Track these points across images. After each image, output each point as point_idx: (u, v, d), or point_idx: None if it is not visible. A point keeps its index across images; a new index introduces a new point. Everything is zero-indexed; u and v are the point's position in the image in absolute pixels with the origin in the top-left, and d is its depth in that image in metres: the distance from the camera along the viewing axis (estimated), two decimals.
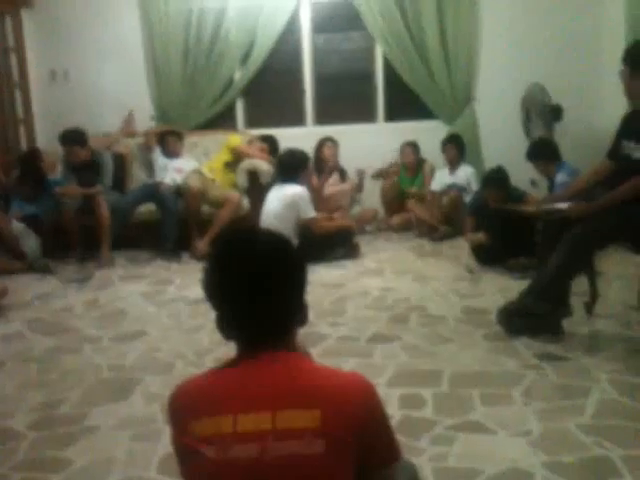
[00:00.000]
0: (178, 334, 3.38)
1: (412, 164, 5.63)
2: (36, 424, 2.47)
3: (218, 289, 1.16)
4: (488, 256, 4.32)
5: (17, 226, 4.80)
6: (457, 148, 5.49)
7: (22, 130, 5.81)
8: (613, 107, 3.14)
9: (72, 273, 4.64)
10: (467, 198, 5.25)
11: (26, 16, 5.77)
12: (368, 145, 5.67)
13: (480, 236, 4.40)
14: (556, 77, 5.29)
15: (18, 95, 5.78)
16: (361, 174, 5.57)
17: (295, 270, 1.19)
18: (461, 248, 4.76)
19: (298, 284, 1.19)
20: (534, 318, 3.02)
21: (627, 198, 2.88)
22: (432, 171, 5.59)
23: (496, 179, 4.42)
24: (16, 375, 2.96)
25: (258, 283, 1.12)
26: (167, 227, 5.01)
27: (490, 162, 5.08)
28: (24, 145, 5.78)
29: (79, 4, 5.80)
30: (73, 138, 5.03)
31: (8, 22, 5.67)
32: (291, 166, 4.74)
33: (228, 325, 1.17)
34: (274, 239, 1.21)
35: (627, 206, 2.87)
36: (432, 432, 2.27)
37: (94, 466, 2.17)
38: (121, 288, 4.32)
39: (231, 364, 1.18)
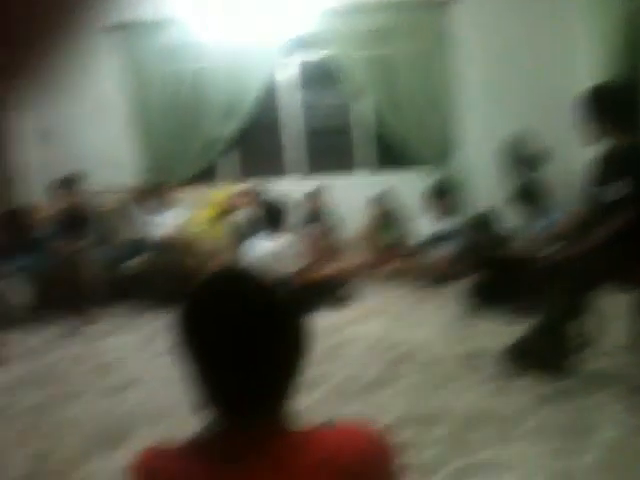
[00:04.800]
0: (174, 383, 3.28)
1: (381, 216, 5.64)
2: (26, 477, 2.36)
3: (198, 344, 0.94)
4: (486, 296, 4.29)
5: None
6: (447, 198, 5.41)
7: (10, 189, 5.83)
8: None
9: (60, 327, 4.55)
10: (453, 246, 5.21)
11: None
12: (352, 196, 5.76)
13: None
14: (535, 125, 5.40)
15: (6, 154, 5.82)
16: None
17: (293, 323, 0.98)
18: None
19: (296, 341, 0.98)
20: (543, 358, 3.04)
21: (606, 240, 2.85)
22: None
23: (482, 224, 4.48)
24: None
25: (252, 334, 0.92)
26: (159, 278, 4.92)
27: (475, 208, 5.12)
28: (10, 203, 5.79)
29: (63, 70, 6.03)
30: (68, 182, 5.18)
31: None
32: (275, 217, 4.67)
33: (208, 389, 0.94)
34: (266, 287, 0.98)
35: (609, 247, 2.84)
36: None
37: None
38: (112, 340, 4.23)
39: (216, 439, 0.95)
